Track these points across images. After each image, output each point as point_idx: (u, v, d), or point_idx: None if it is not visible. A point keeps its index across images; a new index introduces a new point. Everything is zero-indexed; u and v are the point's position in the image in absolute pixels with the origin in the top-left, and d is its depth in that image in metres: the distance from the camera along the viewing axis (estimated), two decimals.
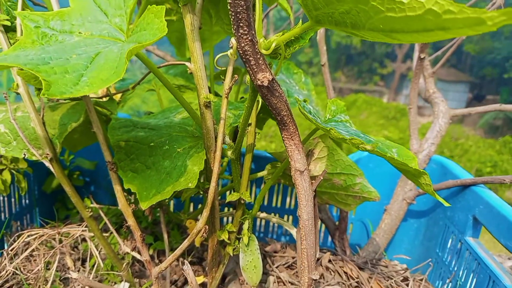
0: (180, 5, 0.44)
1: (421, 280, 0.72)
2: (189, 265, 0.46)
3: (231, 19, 0.33)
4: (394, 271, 0.75)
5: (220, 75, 0.73)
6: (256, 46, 0.35)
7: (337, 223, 0.82)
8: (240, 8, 0.32)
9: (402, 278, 0.72)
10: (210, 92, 0.73)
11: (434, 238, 0.82)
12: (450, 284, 0.73)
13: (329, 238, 0.92)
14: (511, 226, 0.60)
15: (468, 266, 0.69)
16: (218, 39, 0.77)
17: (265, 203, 0.92)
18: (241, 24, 0.33)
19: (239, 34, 0.34)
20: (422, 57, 0.82)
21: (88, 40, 0.43)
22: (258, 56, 0.35)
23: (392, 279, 0.70)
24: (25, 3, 0.55)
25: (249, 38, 0.34)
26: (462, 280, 0.70)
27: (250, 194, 0.94)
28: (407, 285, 0.70)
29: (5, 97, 0.56)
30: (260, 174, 0.64)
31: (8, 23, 0.53)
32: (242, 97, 0.74)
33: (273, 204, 0.92)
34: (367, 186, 0.64)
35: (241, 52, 0.35)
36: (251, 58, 0.35)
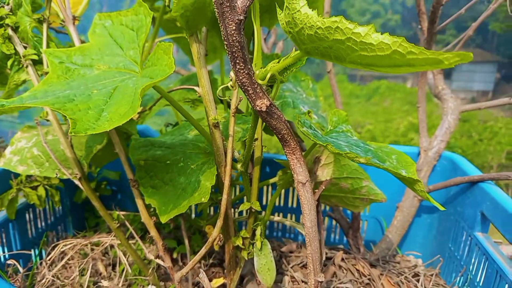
0: (186, 36, 0.49)
1: (432, 275, 0.75)
2: (204, 273, 0.51)
3: (229, 57, 0.37)
4: (406, 267, 0.78)
5: (229, 97, 0.77)
6: (253, 78, 0.39)
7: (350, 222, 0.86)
8: (235, 48, 0.36)
9: (413, 274, 0.75)
10: (221, 102, 0.78)
11: (446, 232, 0.85)
12: (462, 278, 0.75)
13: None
14: None
15: (478, 260, 0.71)
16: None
17: (281, 204, 0.96)
18: (237, 61, 0.37)
19: (237, 69, 0.38)
20: None
21: (107, 73, 0.48)
22: (255, 86, 0.40)
23: (403, 275, 0.73)
24: (49, 37, 0.61)
25: (246, 72, 0.38)
26: (473, 274, 0.72)
27: (267, 195, 0.99)
28: (418, 280, 0.73)
29: (36, 123, 0.63)
30: (271, 180, 0.68)
31: (36, 57, 0.59)
32: None
33: (289, 205, 0.96)
34: (373, 188, 0.67)
35: (239, 83, 0.39)
36: (249, 88, 0.39)
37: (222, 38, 0.36)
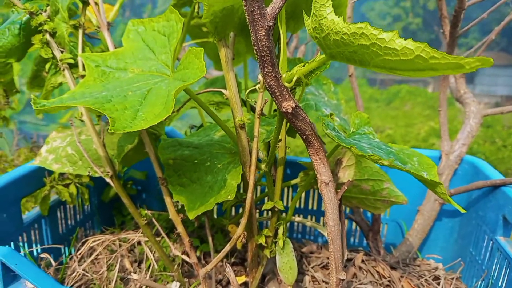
0: (215, 41, 0.51)
1: (453, 278, 0.75)
2: (230, 267, 0.53)
3: (258, 61, 0.39)
4: (426, 270, 0.78)
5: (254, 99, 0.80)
6: (280, 81, 0.41)
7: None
8: (265, 52, 0.38)
9: (433, 277, 0.75)
10: (245, 105, 0.80)
11: (467, 236, 0.85)
12: (483, 282, 0.75)
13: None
14: None
15: (499, 265, 0.71)
16: (251, 54, 0.83)
17: (302, 206, 0.98)
18: (266, 65, 0.39)
19: (265, 72, 0.40)
20: None
21: (140, 76, 0.51)
22: (282, 89, 0.41)
23: (423, 278, 0.73)
24: (84, 42, 0.64)
25: (273, 75, 0.40)
26: (494, 278, 0.72)
27: (288, 197, 1.00)
28: (438, 284, 0.73)
29: (71, 123, 0.66)
30: (293, 181, 0.70)
31: (72, 61, 0.62)
32: (276, 110, 0.80)
33: (309, 207, 0.97)
34: (394, 190, 0.68)
35: (267, 86, 0.41)
36: (276, 91, 0.41)
37: (252, 43, 0.38)
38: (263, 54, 0.38)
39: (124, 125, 0.40)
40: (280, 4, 0.37)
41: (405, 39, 0.31)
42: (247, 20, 0.37)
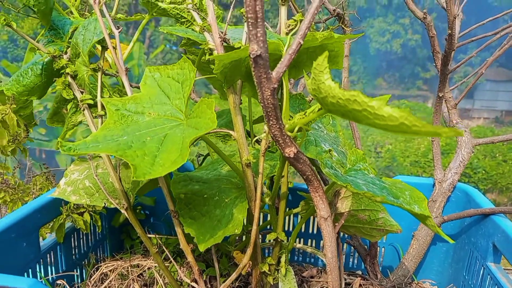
0: (224, 89, 0.57)
1: None
2: None
3: (264, 114, 0.45)
4: None
5: (258, 139, 0.85)
6: (283, 131, 0.46)
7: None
8: (270, 108, 0.43)
9: None
10: (249, 136, 0.85)
11: (461, 261, 0.89)
12: None
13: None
14: None
15: None
16: (255, 97, 0.89)
17: (303, 230, 1.02)
18: (271, 118, 0.44)
19: (270, 124, 0.45)
20: (440, 95, 0.90)
21: (156, 120, 0.56)
22: (285, 137, 0.47)
23: None
24: (103, 83, 0.70)
25: (278, 126, 0.45)
26: None
27: (289, 222, 1.05)
28: None
29: (88, 157, 0.71)
30: (295, 211, 0.75)
31: (91, 102, 0.68)
32: None
33: (310, 231, 1.02)
34: (389, 220, 0.73)
35: (272, 135, 0.46)
36: (279, 139, 0.47)
37: (259, 101, 0.44)
38: (268, 110, 0.44)
39: (144, 172, 0.45)
40: (284, 69, 0.42)
41: (391, 107, 0.36)
42: (255, 82, 0.42)
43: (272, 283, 0.67)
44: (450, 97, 0.97)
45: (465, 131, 0.97)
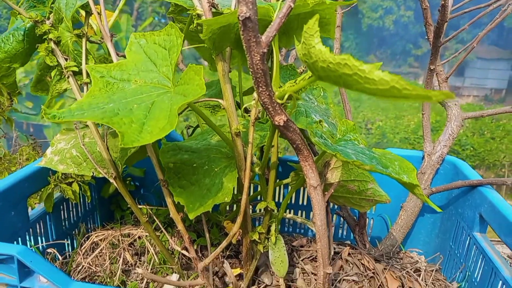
0: (213, 56, 0.55)
1: (433, 270, 0.81)
2: (227, 263, 0.58)
3: (253, 81, 0.44)
4: (409, 262, 0.84)
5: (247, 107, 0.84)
6: (273, 98, 0.45)
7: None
8: (259, 74, 0.42)
9: (414, 269, 0.81)
10: (239, 107, 0.84)
11: (447, 232, 0.91)
12: (461, 274, 0.81)
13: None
14: (510, 225, 0.68)
15: (476, 259, 0.77)
16: (245, 65, 0.87)
17: (293, 201, 1.03)
18: (260, 85, 0.43)
19: (259, 91, 0.44)
20: (432, 68, 0.89)
21: (143, 87, 0.55)
22: (275, 105, 0.46)
23: (405, 270, 0.79)
24: (87, 50, 0.68)
25: (267, 93, 0.44)
26: (471, 270, 0.78)
27: (279, 194, 1.05)
28: (419, 275, 0.79)
29: (75, 126, 0.70)
30: (285, 181, 0.75)
31: (76, 69, 0.66)
32: None
33: (300, 203, 1.03)
34: (378, 190, 0.73)
35: (261, 102, 0.46)
36: (269, 107, 0.46)
37: (248, 66, 0.42)
38: (258, 76, 0.43)
39: (132, 139, 0.44)
40: (274, 33, 0.41)
41: (382, 71, 0.35)
42: (244, 46, 0.41)
43: (262, 251, 0.67)
44: (441, 71, 0.96)
45: (455, 104, 0.97)
